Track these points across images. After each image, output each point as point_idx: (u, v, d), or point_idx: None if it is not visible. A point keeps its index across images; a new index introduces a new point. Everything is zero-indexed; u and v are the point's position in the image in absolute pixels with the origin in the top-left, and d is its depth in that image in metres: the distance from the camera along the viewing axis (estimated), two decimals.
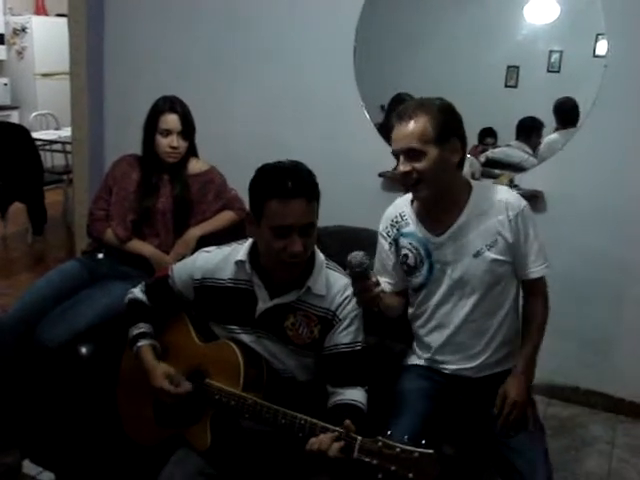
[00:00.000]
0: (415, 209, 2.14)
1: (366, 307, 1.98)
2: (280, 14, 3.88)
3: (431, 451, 1.53)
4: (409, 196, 2.14)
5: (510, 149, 3.69)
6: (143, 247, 2.79)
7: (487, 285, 2.06)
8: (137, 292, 2.20)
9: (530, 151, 3.60)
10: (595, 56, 3.27)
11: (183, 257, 2.43)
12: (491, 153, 3.72)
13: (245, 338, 1.99)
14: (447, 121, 1.97)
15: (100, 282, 2.76)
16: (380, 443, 1.57)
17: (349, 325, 1.95)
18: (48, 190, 5.92)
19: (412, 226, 2.13)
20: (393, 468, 1.54)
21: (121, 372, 2.25)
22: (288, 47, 3.88)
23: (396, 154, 2.01)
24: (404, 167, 1.98)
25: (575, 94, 3.37)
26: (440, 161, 1.95)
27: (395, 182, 3.41)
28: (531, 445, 2.00)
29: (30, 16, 7.90)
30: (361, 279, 1.88)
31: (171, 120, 2.76)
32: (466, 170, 2.10)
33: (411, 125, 1.94)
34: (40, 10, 8.18)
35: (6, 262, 5.38)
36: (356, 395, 1.90)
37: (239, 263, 1.98)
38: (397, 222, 2.17)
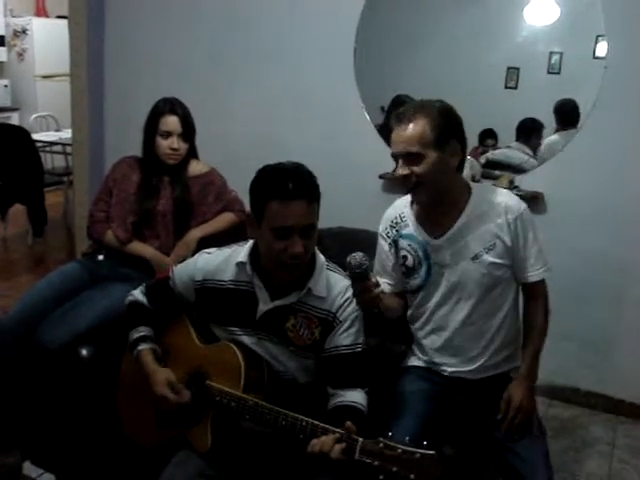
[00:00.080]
0: (414, 211, 2.14)
1: (366, 308, 1.98)
2: (280, 15, 3.89)
3: (432, 452, 1.53)
4: (409, 197, 2.13)
5: (510, 150, 3.69)
6: (143, 249, 2.79)
7: (485, 288, 2.06)
8: (137, 294, 2.20)
9: (530, 152, 3.60)
10: (595, 57, 3.27)
11: (184, 259, 2.43)
12: (491, 154, 3.73)
13: (246, 340, 1.99)
14: (446, 124, 1.96)
15: (100, 284, 2.76)
16: (381, 444, 1.57)
17: (350, 327, 1.95)
18: (48, 192, 5.92)
19: (411, 228, 2.13)
20: (395, 469, 1.54)
21: (121, 374, 2.25)
22: (288, 48, 3.88)
23: (395, 157, 2.01)
24: (403, 170, 1.98)
25: (575, 95, 3.38)
26: (439, 164, 1.95)
27: (395, 184, 3.41)
28: (532, 447, 1.99)
29: (31, 18, 7.91)
30: (361, 280, 1.88)
31: (171, 122, 2.76)
32: (466, 172, 2.11)
33: (410, 128, 1.94)
34: (41, 12, 8.19)
35: (6, 264, 5.38)
36: (356, 397, 1.90)
37: (240, 265, 1.98)
38: (397, 223, 2.17)
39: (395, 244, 2.17)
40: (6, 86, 7.95)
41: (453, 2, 3.72)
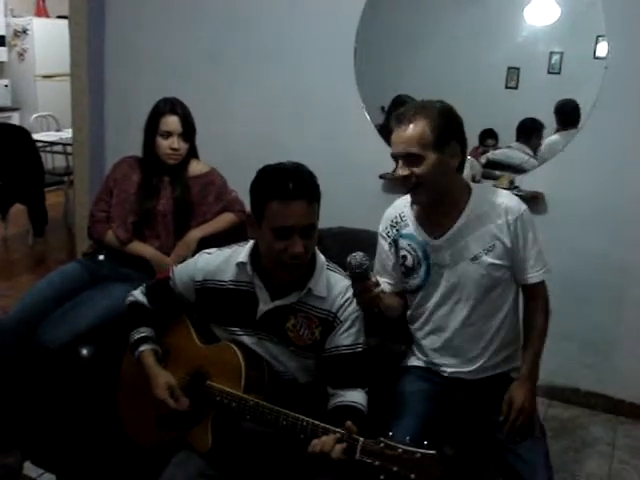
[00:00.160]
0: (415, 211, 2.13)
1: (366, 308, 1.98)
2: (280, 15, 3.89)
3: (433, 452, 1.53)
4: (409, 197, 2.13)
5: (511, 150, 3.69)
6: (144, 249, 2.79)
7: (484, 289, 2.06)
8: (138, 294, 2.20)
9: (531, 152, 3.60)
10: (595, 57, 3.27)
11: (184, 259, 2.43)
12: (492, 154, 3.73)
13: (246, 340, 1.99)
14: (446, 125, 1.95)
15: (101, 284, 2.76)
16: (382, 444, 1.58)
17: (350, 327, 1.95)
18: (49, 192, 5.92)
19: (411, 227, 2.13)
20: (395, 469, 1.54)
21: (122, 374, 2.25)
22: (288, 48, 3.88)
23: (395, 157, 2.01)
24: (402, 171, 1.98)
25: (575, 95, 3.38)
26: (439, 165, 1.95)
27: (395, 184, 3.41)
28: (532, 448, 1.99)
29: (31, 18, 7.91)
30: (361, 280, 1.89)
31: (172, 122, 2.76)
32: (467, 172, 2.11)
33: (410, 129, 1.93)
34: (41, 12, 8.18)
35: (7, 263, 5.38)
36: (356, 397, 1.90)
37: (240, 265, 1.99)
38: (397, 223, 2.17)
39: (395, 244, 2.17)
40: (6, 86, 7.95)
41: (453, 2, 3.72)
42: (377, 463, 1.56)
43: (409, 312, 2.23)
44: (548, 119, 3.51)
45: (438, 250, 2.07)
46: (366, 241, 2.32)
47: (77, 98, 4.49)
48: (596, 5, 3.16)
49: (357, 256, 1.85)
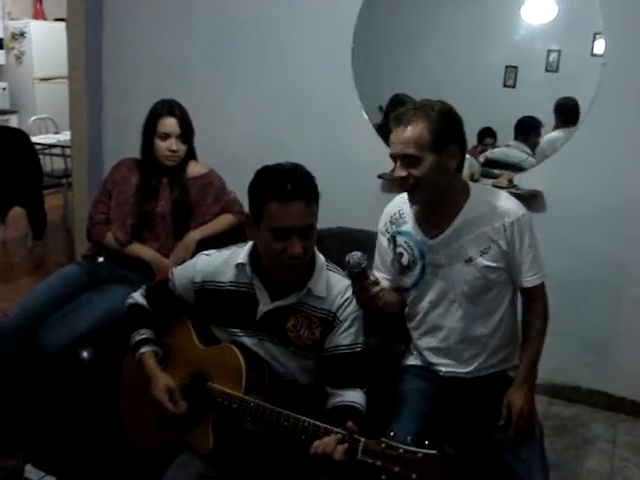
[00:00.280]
0: (414, 209, 2.13)
1: (366, 306, 1.98)
2: (277, 15, 3.88)
3: (434, 452, 1.54)
4: None
5: (509, 149, 3.69)
6: (143, 251, 2.79)
7: (479, 291, 2.06)
8: (137, 296, 2.20)
9: (529, 151, 3.61)
10: (593, 55, 3.27)
11: (183, 260, 2.44)
12: (490, 153, 3.73)
13: (247, 341, 1.99)
14: (445, 127, 1.94)
15: (100, 286, 2.76)
16: (383, 444, 1.58)
17: (349, 327, 1.95)
18: (48, 194, 5.92)
19: (409, 225, 2.13)
20: (397, 469, 1.54)
21: (122, 376, 2.25)
22: (286, 48, 3.88)
23: (393, 157, 2.01)
24: (400, 172, 1.98)
25: (573, 93, 3.38)
26: (437, 167, 1.94)
27: (393, 184, 3.41)
28: (529, 447, 1.99)
29: (29, 21, 7.90)
30: (359, 279, 1.89)
31: (170, 124, 2.76)
32: (465, 171, 2.10)
33: (408, 131, 1.92)
34: (39, 15, 8.17)
35: (6, 267, 5.38)
36: (355, 397, 1.90)
37: (239, 266, 1.98)
38: (396, 219, 2.17)
39: (393, 240, 2.17)
40: (4, 89, 7.94)
41: (451, 1, 3.73)
42: (378, 463, 1.57)
43: (406, 310, 2.23)
44: (546, 117, 3.51)
45: (434, 250, 2.07)
46: (365, 241, 2.32)
47: (75, 100, 4.48)
48: (593, 3, 3.16)
49: (355, 256, 1.86)
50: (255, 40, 3.96)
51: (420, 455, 1.53)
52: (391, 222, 2.18)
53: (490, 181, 3.49)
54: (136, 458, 2.15)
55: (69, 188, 5.71)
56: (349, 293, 1.95)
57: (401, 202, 2.17)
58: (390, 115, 2.00)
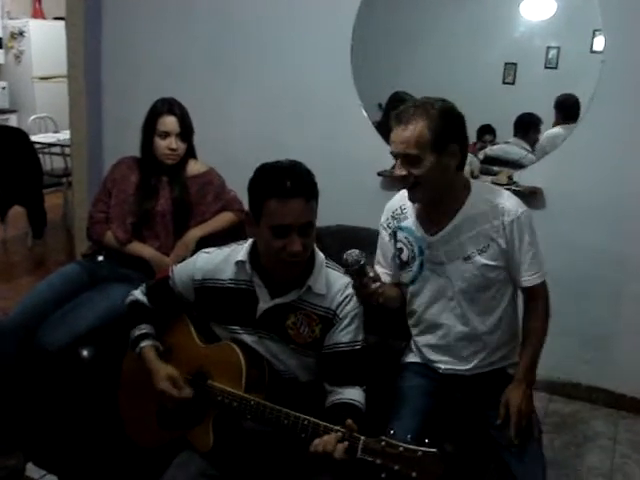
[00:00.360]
0: (415, 205, 2.13)
1: (366, 302, 1.98)
2: (277, 14, 3.88)
3: (434, 450, 1.53)
4: None
5: (508, 146, 3.69)
6: (143, 249, 2.79)
7: (477, 289, 2.05)
8: (138, 294, 2.20)
9: (528, 148, 3.61)
10: (592, 52, 3.27)
11: (183, 259, 2.43)
12: (490, 150, 3.73)
13: (247, 338, 1.99)
14: (445, 126, 1.92)
15: (100, 285, 2.76)
16: (383, 442, 1.58)
17: (349, 324, 1.95)
18: (47, 193, 5.92)
19: (410, 221, 2.13)
20: (396, 467, 1.54)
21: (123, 374, 2.25)
22: (285, 47, 3.88)
23: (394, 156, 2.01)
24: (400, 171, 1.97)
25: (573, 90, 3.38)
26: (437, 166, 1.93)
27: (394, 182, 3.41)
28: (527, 446, 1.98)
29: (28, 20, 7.90)
30: (358, 276, 1.89)
31: (169, 122, 2.76)
32: (465, 168, 2.09)
33: (408, 130, 1.91)
34: (38, 14, 8.17)
35: (6, 266, 5.38)
36: (354, 394, 1.90)
37: (239, 263, 1.99)
38: (397, 215, 2.17)
39: (394, 235, 2.17)
40: (4, 88, 7.94)
41: None
42: (378, 462, 1.56)
43: (407, 306, 2.23)
44: (546, 114, 3.51)
45: (433, 247, 2.07)
46: (365, 239, 2.32)
47: (75, 99, 4.49)
48: None
49: (353, 253, 1.86)
50: (254, 39, 3.96)
51: (420, 453, 1.53)
52: (393, 217, 2.18)
53: (489, 178, 3.49)
54: (136, 457, 2.15)
55: (69, 187, 5.71)
56: (349, 290, 1.95)
57: (403, 198, 2.15)
58: (391, 113, 1.99)
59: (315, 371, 2.01)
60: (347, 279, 1.96)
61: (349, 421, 1.65)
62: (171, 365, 2.05)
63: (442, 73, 3.70)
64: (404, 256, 2.14)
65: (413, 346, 2.25)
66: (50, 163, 6.55)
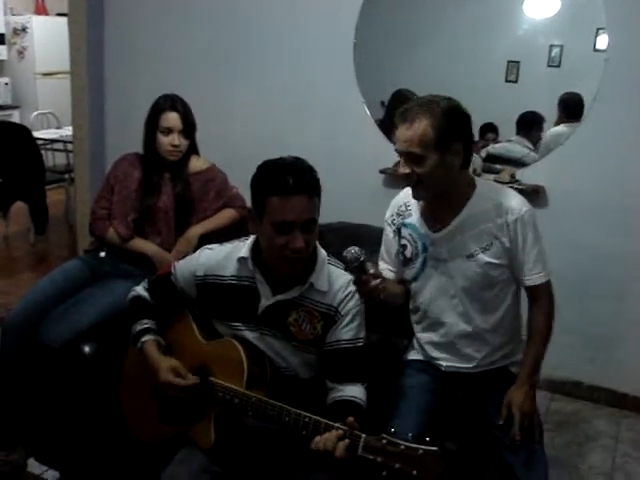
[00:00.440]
0: (419, 202, 2.13)
1: (368, 298, 1.98)
2: (279, 11, 3.88)
3: (435, 448, 1.54)
4: None
5: (511, 144, 3.69)
6: (145, 245, 2.79)
7: (480, 287, 2.05)
8: (140, 290, 2.20)
9: (531, 146, 3.60)
10: (596, 50, 3.26)
11: (185, 255, 2.43)
12: (492, 148, 3.73)
13: (248, 335, 1.99)
14: (450, 125, 1.91)
15: (102, 281, 2.77)
16: (384, 440, 1.58)
17: (351, 321, 1.95)
18: (50, 189, 5.92)
19: (414, 218, 2.13)
20: (397, 465, 1.54)
21: (124, 370, 2.25)
22: (288, 45, 3.88)
23: (398, 153, 2.00)
24: (404, 169, 1.97)
25: (576, 89, 3.37)
26: (441, 165, 1.93)
27: (397, 178, 3.41)
28: (529, 445, 1.98)
29: (30, 16, 7.89)
30: (358, 273, 1.89)
31: (172, 118, 2.76)
32: None
33: (412, 129, 1.91)
34: (40, 10, 8.17)
35: (8, 261, 5.39)
36: (356, 392, 1.91)
37: (241, 260, 1.99)
38: (402, 211, 2.17)
39: (398, 232, 2.17)
40: (7, 84, 7.94)
41: None
42: (379, 459, 1.57)
43: (410, 303, 2.23)
44: (548, 112, 3.50)
45: (437, 244, 2.07)
46: (367, 236, 2.32)
47: (77, 96, 4.48)
48: None
49: (352, 250, 1.86)
50: (257, 36, 3.95)
51: (421, 452, 1.53)
52: (398, 214, 2.18)
53: (492, 176, 3.48)
54: (138, 452, 2.16)
55: (71, 183, 5.70)
56: (351, 288, 1.95)
57: (408, 194, 2.15)
58: (396, 111, 1.99)
59: (316, 368, 2.01)
60: (349, 276, 1.96)
61: (350, 419, 1.65)
62: None
63: (445, 71, 3.69)
64: (408, 253, 2.14)
65: (415, 343, 2.25)
66: (52, 159, 6.56)
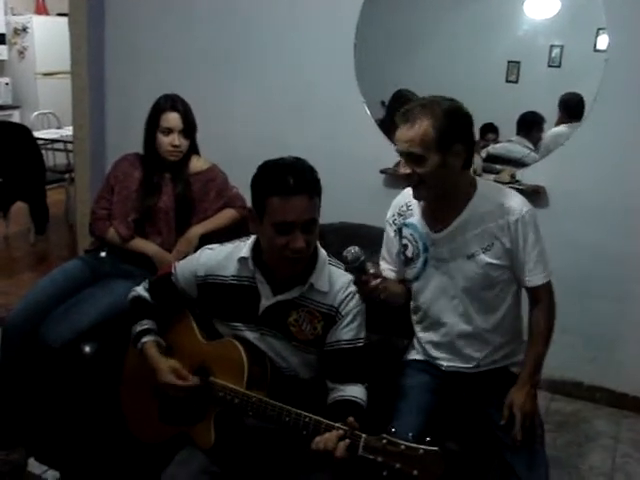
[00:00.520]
0: (421, 202, 2.13)
1: (369, 298, 1.98)
2: (280, 11, 3.88)
3: (436, 448, 1.54)
4: None
5: (511, 144, 3.69)
6: (145, 245, 2.79)
7: (480, 287, 2.05)
8: (140, 290, 2.21)
9: (531, 146, 3.60)
10: (596, 50, 3.27)
11: (185, 255, 2.43)
12: (492, 148, 3.73)
13: (249, 335, 1.99)
14: (451, 126, 1.91)
15: (103, 281, 2.77)
16: (385, 440, 1.58)
17: (351, 321, 1.95)
18: (50, 189, 5.92)
19: (416, 218, 2.13)
20: (398, 465, 1.54)
21: (125, 370, 2.25)
22: (288, 44, 3.88)
23: (399, 153, 2.01)
24: (405, 169, 1.98)
25: (576, 89, 3.37)
26: (441, 166, 1.93)
27: (397, 179, 3.41)
28: (530, 445, 1.97)
29: (31, 16, 7.89)
30: (358, 273, 1.89)
31: (172, 118, 2.76)
32: None
33: (413, 129, 1.91)
34: (41, 10, 8.17)
35: (9, 261, 5.39)
36: (356, 392, 1.91)
37: (242, 260, 1.99)
38: (403, 211, 2.17)
39: (399, 231, 2.17)
40: (7, 84, 7.94)
41: None
42: (380, 459, 1.57)
43: (411, 303, 2.23)
44: (548, 112, 3.51)
45: (438, 244, 2.07)
46: (368, 236, 2.32)
47: (78, 96, 4.49)
48: None
49: (352, 250, 1.86)
50: (257, 36, 3.95)
51: (421, 451, 1.53)
52: (399, 214, 2.18)
53: (492, 176, 3.48)
54: (138, 453, 2.16)
55: (71, 183, 5.70)
56: (351, 288, 1.95)
57: (409, 194, 2.14)
58: (397, 111, 1.98)
59: (317, 368, 2.01)
60: (350, 276, 1.95)
61: (350, 419, 1.65)
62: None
63: (445, 71, 3.69)
64: (409, 252, 2.14)
65: (416, 343, 2.25)
66: (53, 159, 6.56)
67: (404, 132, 1.94)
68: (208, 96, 3.92)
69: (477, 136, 3.61)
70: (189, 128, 2.80)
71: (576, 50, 3.41)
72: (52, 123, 6.98)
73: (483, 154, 3.68)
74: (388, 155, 3.37)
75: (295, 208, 1.80)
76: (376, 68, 3.78)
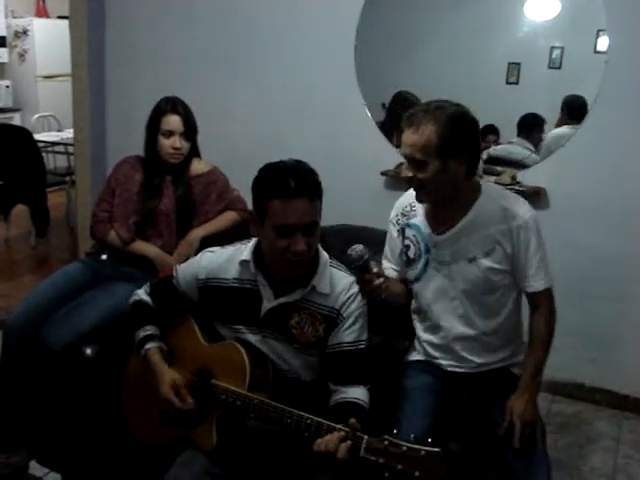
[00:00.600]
0: (424, 204, 2.13)
1: (370, 298, 1.98)
2: (280, 13, 3.89)
3: (437, 449, 1.53)
4: None
5: (512, 146, 3.69)
6: (147, 248, 2.79)
7: (481, 291, 2.06)
8: (141, 293, 2.20)
9: (532, 148, 3.60)
10: (596, 52, 3.27)
11: (186, 258, 2.44)
12: (493, 150, 3.73)
13: (251, 338, 1.99)
14: (455, 132, 1.91)
15: (104, 283, 2.76)
16: (386, 442, 1.58)
17: (353, 323, 1.95)
18: (51, 192, 5.91)
19: (419, 219, 2.13)
20: (399, 467, 1.54)
21: (127, 373, 2.25)
22: (289, 46, 3.88)
23: (403, 156, 2.01)
24: (407, 173, 1.98)
25: (577, 90, 3.38)
26: (443, 172, 1.92)
27: (398, 181, 3.42)
28: (531, 447, 1.97)
29: (31, 18, 7.91)
30: (362, 272, 1.89)
31: (173, 121, 2.76)
32: None
33: (417, 134, 1.91)
34: (41, 12, 8.18)
35: (9, 264, 5.39)
36: (358, 393, 1.90)
37: (243, 263, 1.99)
38: (407, 212, 2.17)
39: (402, 232, 2.17)
40: (8, 87, 7.95)
41: None
42: (381, 461, 1.57)
43: (413, 303, 2.24)
44: (549, 114, 3.51)
45: (440, 246, 2.07)
46: (369, 238, 2.31)
47: (78, 98, 4.49)
48: None
49: (357, 248, 1.86)
50: (258, 38, 3.96)
51: (423, 453, 1.53)
52: (402, 214, 2.19)
53: (493, 178, 3.48)
54: (140, 455, 2.15)
55: (72, 186, 5.71)
56: (353, 290, 1.95)
57: (413, 195, 2.15)
58: (403, 114, 1.98)
59: (318, 370, 2.01)
60: (351, 278, 1.96)
61: (352, 420, 1.65)
62: (175, 364, 2.06)
63: (445, 73, 3.69)
64: (411, 253, 2.14)
65: (417, 344, 2.25)
66: (53, 162, 6.57)
67: (408, 136, 1.94)
68: (208, 96, 3.93)
69: None
70: (190, 131, 2.80)
71: (576, 52, 3.41)
72: (53, 126, 6.98)
73: (484, 156, 3.68)
74: (389, 157, 3.38)
75: (296, 211, 1.80)
76: (376, 69, 3.78)
